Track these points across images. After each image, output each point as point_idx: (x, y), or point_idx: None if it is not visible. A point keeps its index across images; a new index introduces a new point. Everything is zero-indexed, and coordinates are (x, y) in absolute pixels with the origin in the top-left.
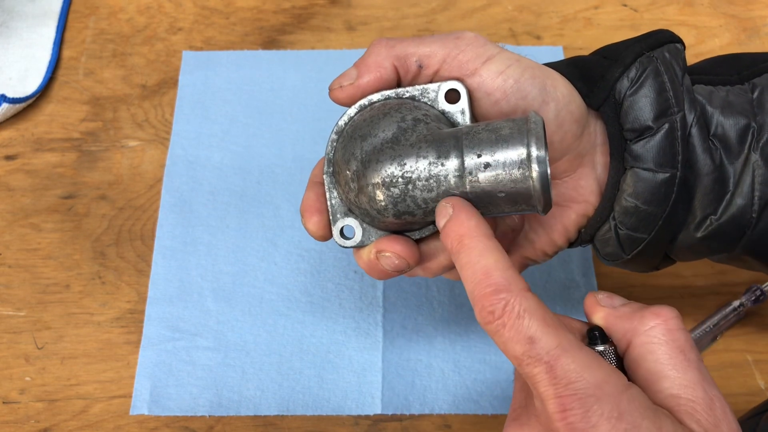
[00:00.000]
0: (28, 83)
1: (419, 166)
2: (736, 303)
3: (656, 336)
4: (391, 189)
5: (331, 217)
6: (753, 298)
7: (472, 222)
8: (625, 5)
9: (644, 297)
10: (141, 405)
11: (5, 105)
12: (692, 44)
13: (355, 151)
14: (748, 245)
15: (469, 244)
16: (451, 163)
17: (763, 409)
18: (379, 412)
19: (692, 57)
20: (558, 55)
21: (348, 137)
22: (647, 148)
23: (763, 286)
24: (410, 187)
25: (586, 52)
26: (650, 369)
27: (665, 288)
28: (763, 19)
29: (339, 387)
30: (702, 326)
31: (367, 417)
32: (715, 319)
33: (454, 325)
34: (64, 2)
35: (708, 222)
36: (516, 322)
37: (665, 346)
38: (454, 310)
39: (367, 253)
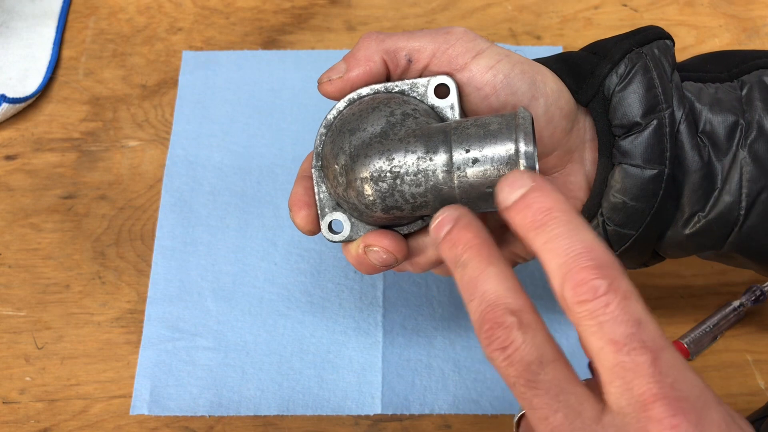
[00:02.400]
0: (28, 83)
1: (407, 161)
2: (736, 303)
3: None
4: (380, 183)
5: (319, 212)
6: (753, 298)
7: (561, 195)
8: (625, 5)
9: (644, 297)
10: (141, 405)
11: (5, 105)
12: (692, 44)
13: (343, 146)
14: (736, 242)
15: (560, 217)
16: (440, 158)
17: (763, 414)
18: (379, 412)
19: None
20: None
21: (337, 131)
22: (635, 144)
23: (763, 286)
24: (398, 181)
25: None
26: None
27: (665, 288)
28: (763, 19)
29: (339, 387)
30: (702, 326)
31: (367, 417)
32: (715, 319)
33: (454, 325)
34: (64, 2)
35: (696, 219)
36: (623, 302)
37: None
38: (454, 310)
39: (355, 247)
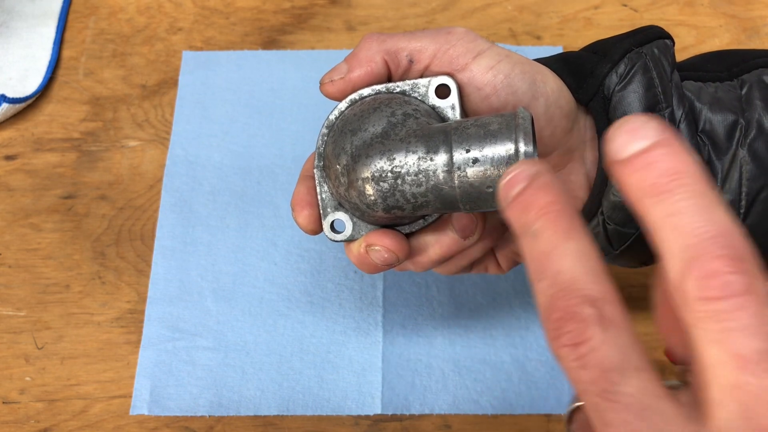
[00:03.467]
0: (28, 83)
1: (408, 161)
2: None
3: None
4: (381, 183)
5: (321, 211)
6: None
7: (694, 158)
8: (625, 5)
9: (644, 297)
10: (141, 405)
11: (5, 105)
12: (692, 44)
13: (345, 146)
14: None
15: (691, 186)
16: (440, 158)
17: None
18: (379, 412)
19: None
20: None
21: (338, 132)
22: None
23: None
24: (399, 181)
25: None
26: None
27: None
28: (763, 19)
29: (339, 387)
30: None
31: (367, 417)
32: None
33: (454, 325)
34: (64, 2)
35: None
36: (762, 309)
37: None
38: (454, 310)
39: (357, 246)
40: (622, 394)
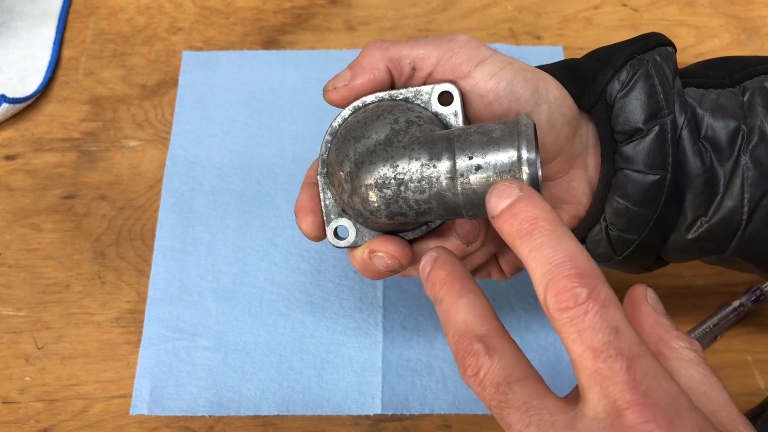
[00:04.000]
0: (28, 83)
1: (411, 168)
2: (736, 303)
3: (689, 355)
4: (384, 190)
5: (325, 218)
6: (753, 298)
7: (547, 205)
8: (625, 5)
9: None
10: (141, 405)
11: (5, 105)
12: (692, 44)
13: (348, 153)
14: (739, 247)
15: (545, 226)
16: (443, 165)
17: (761, 410)
18: (379, 412)
19: (692, 57)
20: (558, 55)
21: (342, 139)
22: (638, 150)
23: (763, 286)
24: (402, 188)
25: (585, 52)
26: (685, 383)
27: (665, 288)
28: (763, 19)
29: (339, 387)
30: (702, 326)
31: (367, 417)
32: (715, 319)
33: None
34: (64, 2)
35: (698, 224)
36: (602, 310)
37: (698, 366)
38: None
39: (361, 253)
40: (511, 400)
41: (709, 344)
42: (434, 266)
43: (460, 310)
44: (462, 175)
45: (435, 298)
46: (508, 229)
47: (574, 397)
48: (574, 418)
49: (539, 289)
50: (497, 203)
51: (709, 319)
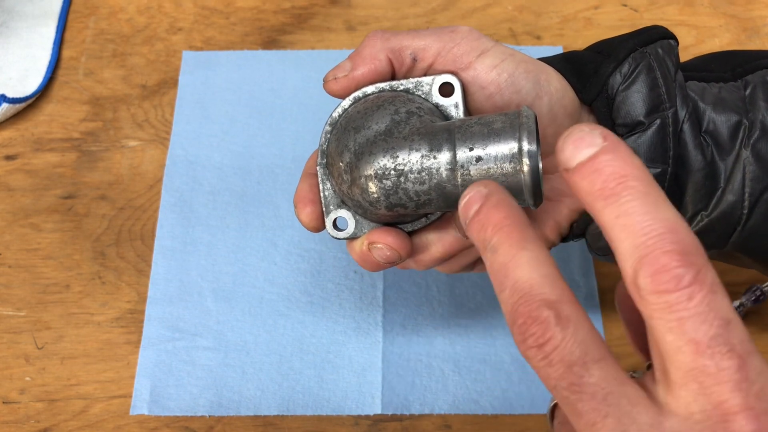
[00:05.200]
0: (28, 83)
1: (411, 159)
2: (736, 303)
3: None
4: (384, 181)
5: (324, 209)
6: (753, 298)
7: (638, 160)
8: (625, 5)
9: None
10: (141, 405)
11: (5, 105)
12: (692, 44)
13: (348, 143)
14: (739, 242)
15: (637, 187)
16: (444, 156)
17: None
18: (379, 412)
19: (692, 57)
20: None
21: (342, 129)
22: (639, 143)
23: (763, 286)
24: (402, 179)
25: None
26: None
27: None
28: (763, 19)
29: (339, 387)
30: None
31: (367, 417)
32: None
33: (454, 325)
34: (64, 2)
35: (699, 218)
36: (709, 296)
37: None
38: (454, 310)
39: (360, 244)
40: (587, 384)
41: None
42: (486, 204)
43: (523, 264)
44: (462, 167)
45: (485, 244)
46: (587, 187)
47: (649, 386)
48: (659, 414)
49: (627, 264)
50: (574, 153)
51: None
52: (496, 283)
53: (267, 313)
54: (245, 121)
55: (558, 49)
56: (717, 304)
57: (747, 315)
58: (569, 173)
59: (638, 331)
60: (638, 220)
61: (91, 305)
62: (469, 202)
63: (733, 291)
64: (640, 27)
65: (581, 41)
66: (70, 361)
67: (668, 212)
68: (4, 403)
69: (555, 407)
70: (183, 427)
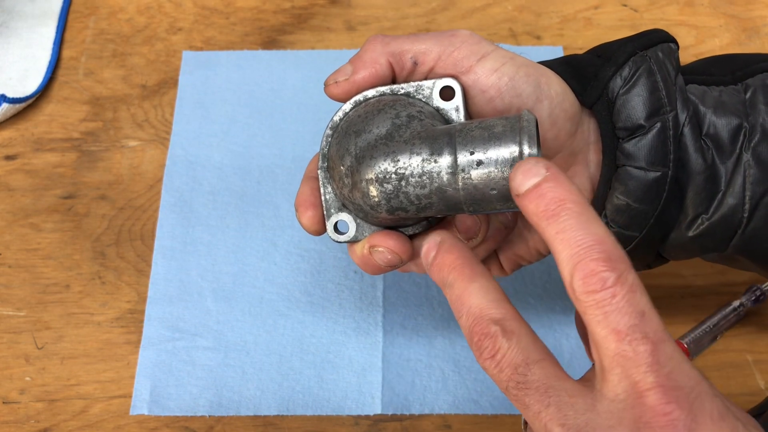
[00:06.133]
0: (28, 83)
1: (412, 163)
2: (736, 303)
3: None
4: (385, 185)
5: (325, 212)
6: (753, 298)
7: (574, 187)
8: (625, 5)
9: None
10: (141, 405)
11: (5, 105)
12: (692, 44)
13: (349, 147)
14: (740, 245)
15: (573, 208)
16: (444, 160)
17: (762, 410)
18: (379, 412)
19: (692, 57)
20: (558, 55)
21: (342, 133)
22: (639, 146)
23: (763, 286)
24: (403, 183)
25: None
26: None
27: (665, 288)
28: (763, 19)
29: (339, 387)
30: (702, 326)
31: (367, 417)
32: (715, 319)
33: (454, 325)
34: (64, 2)
35: (699, 221)
36: (629, 294)
37: None
38: None
39: (361, 248)
40: (530, 381)
41: (709, 344)
42: (440, 250)
43: (473, 294)
44: (463, 171)
45: (443, 282)
46: (534, 209)
47: (589, 379)
48: (593, 399)
49: (565, 271)
50: (523, 181)
51: (709, 319)
52: (455, 311)
53: (267, 313)
54: (245, 121)
55: (558, 49)
56: (635, 300)
57: (747, 315)
58: (519, 198)
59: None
60: (573, 235)
61: (91, 305)
62: (427, 250)
63: (733, 291)
64: (640, 27)
65: (581, 41)
66: (70, 361)
67: (598, 228)
68: (4, 403)
69: (526, 423)
70: (183, 427)
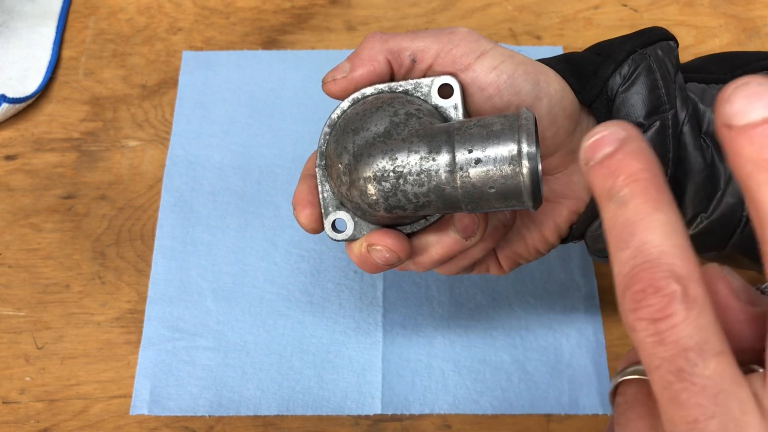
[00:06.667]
0: (28, 83)
1: (410, 161)
2: None
3: None
4: (383, 183)
5: (323, 210)
6: None
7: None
8: (625, 5)
9: None
10: (141, 405)
11: (5, 105)
12: (692, 44)
13: (347, 145)
14: (739, 244)
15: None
16: (443, 158)
17: None
18: (379, 412)
19: (692, 57)
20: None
21: (340, 131)
22: None
23: (763, 286)
24: (401, 181)
25: None
26: None
27: None
28: (763, 19)
29: (339, 387)
30: None
31: (367, 417)
32: None
33: (454, 325)
34: (64, 2)
35: (699, 220)
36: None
37: None
38: (454, 310)
39: (359, 246)
40: (699, 375)
41: None
42: (623, 149)
43: (656, 227)
44: (461, 169)
45: (611, 193)
46: (754, 154)
47: (759, 385)
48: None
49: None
50: (745, 109)
51: None
52: (617, 239)
53: (267, 313)
54: (245, 121)
55: (558, 49)
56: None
57: None
58: (733, 132)
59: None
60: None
61: (91, 305)
62: (600, 141)
63: None
64: (640, 27)
65: (581, 41)
66: (70, 361)
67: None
68: (4, 403)
69: (622, 384)
70: (183, 427)
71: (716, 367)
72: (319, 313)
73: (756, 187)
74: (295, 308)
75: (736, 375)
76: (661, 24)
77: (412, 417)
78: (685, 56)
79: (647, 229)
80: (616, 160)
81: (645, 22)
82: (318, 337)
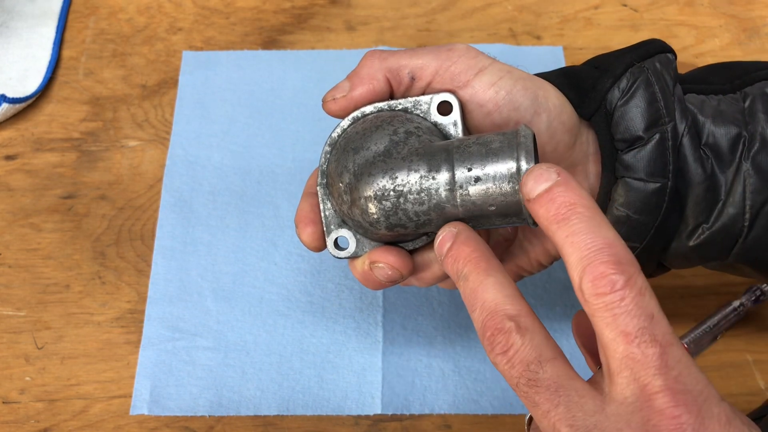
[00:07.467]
0: (28, 83)
1: (410, 180)
2: (736, 303)
3: None
4: (383, 202)
5: (325, 228)
6: (753, 298)
7: (584, 192)
8: (625, 5)
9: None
10: (141, 405)
11: (5, 105)
12: (692, 44)
13: (347, 164)
14: (741, 253)
15: (583, 212)
16: (442, 177)
17: (761, 413)
18: (379, 412)
19: (692, 57)
20: (558, 55)
21: (341, 150)
22: (638, 158)
23: (763, 286)
24: (402, 200)
25: (586, 52)
26: None
27: (665, 288)
28: (763, 19)
29: (339, 387)
30: (702, 326)
31: (367, 417)
32: (715, 319)
33: (454, 325)
34: (64, 2)
35: (700, 231)
36: (638, 297)
37: None
38: (454, 310)
39: (361, 264)
40: (541, 379)
41: (709, 344)
42: (456, 242)
43: (489, 288)
44: (461, 187)
45: (458, 274)
46: (544, 213)
47: (597, 381)
48: (602, 401)
49: (575, 274)
50: (534, 186)
51: (709, 319)
52: (468, 305)
53: (267, 313)
54: (245, 121)
55: (558, 49)
56: (644, 303)
57: (747, 315)
58: (531, 202)
59: (592, 350)
60: (583, 238)
61: (91, 305)
62: (442, 240)
63: (733, 291)
64: (640, 27)
65: (581, 41)
66: (70, 361)
67: (608, 232)
68: (4, 403)
69: (531, 419)
70: (183, 427)
71: (552, 370)
72: (319, 313)
73: (552, 234)
74: (295, 308)
75: (569, 372)
76: (661, 24)
77: (412, 417)
78: (686, 56)
79: (484, 291)
80: (454, 250)
81: (645, 22)
82: (318, 337)
